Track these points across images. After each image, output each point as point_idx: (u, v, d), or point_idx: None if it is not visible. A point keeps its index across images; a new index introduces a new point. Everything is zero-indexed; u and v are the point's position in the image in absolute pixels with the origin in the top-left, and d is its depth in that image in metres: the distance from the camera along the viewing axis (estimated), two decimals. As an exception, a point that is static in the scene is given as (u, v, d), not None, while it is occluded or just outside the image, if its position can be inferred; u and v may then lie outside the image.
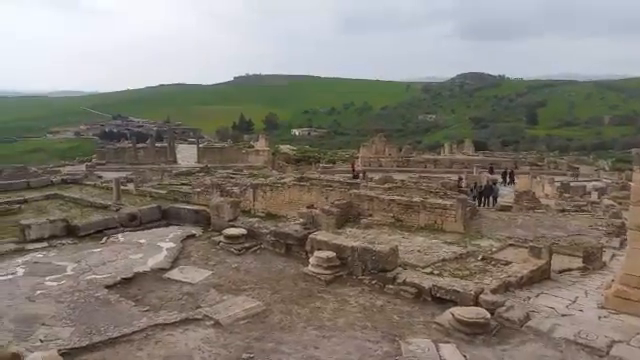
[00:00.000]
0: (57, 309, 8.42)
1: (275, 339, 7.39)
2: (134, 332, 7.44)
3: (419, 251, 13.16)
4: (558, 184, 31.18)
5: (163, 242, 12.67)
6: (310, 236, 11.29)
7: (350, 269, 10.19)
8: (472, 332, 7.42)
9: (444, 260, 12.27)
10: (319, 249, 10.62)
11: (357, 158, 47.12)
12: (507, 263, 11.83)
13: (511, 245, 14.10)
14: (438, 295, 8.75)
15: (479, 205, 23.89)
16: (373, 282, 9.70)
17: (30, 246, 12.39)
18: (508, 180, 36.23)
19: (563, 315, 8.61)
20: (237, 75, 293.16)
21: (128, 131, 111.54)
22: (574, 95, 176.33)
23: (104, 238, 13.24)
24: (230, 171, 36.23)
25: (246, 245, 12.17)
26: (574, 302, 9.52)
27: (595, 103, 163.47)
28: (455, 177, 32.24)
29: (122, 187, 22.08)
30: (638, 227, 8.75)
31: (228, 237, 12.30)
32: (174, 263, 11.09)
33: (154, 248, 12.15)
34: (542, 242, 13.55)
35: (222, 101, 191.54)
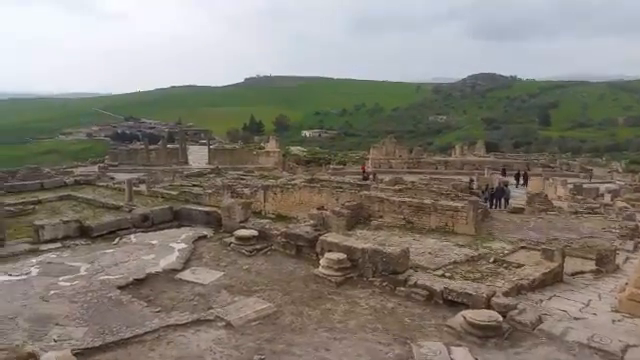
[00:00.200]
0: (70, 309, 8.51)
1: (286, 341, 7.40)
2: (146, 333, 7.50)
3: (430, 253, 13.10)
4: (571, 186, 30.90)
5: (175, 243, 12.76)
6: (321, 238, 11.30)
7: (361, 271, 10.18)
8: (484, 335, 7.38)
9: (455, 262, 12.21)
10: (330, 251, 10.63)
11: (367, 160, 47.05)
12: (519, 266, 11.75)
13: (523, 247, 14.01)
14: (450, 298, 8.71)
15: (491, 207, 23.73)
16: (384, 284, 9.68)
17: (44, 246, 12.54)
18: (522, 182, 35.93)
19: (576, 318, 8.53)
20: (248, 77, 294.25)
21: (140, 132, 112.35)
22: (587, 96, 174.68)
23: (117, 239, 13.37)
24: (241, 172, 36.37)
25: (257, 246, 12.21)
26: (587, 305, 9.43)
27: (608, 104, 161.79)
28: (466, 179, 32.07)
29: (134, 188, 22.24)
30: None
31: (239, 238, 12.35)
32: (186, 264, 11.17)
33: (166, 249, 12.24)
34: (554, 245, 13.46)
35: (233, 102, 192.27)
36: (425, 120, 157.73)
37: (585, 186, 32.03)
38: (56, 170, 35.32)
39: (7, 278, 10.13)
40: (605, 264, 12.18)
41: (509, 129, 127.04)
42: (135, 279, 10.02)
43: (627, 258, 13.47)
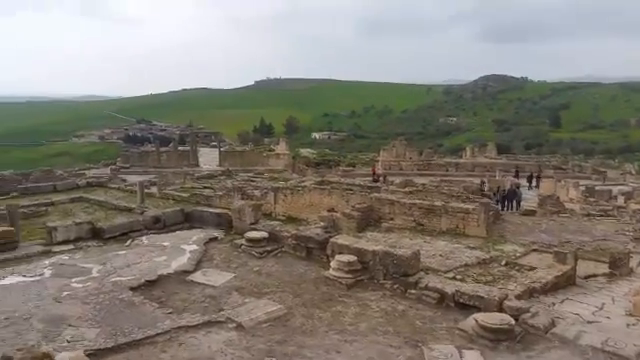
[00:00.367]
0: (83, 310, 8.59)
1: (297, 343, 7.41)
2: (158, 334, 7.55)
3: (441, 256, 13.03)
4: (583, 188, 30.59)
5: (186, 245, 12.83)
6: (331, 240, 11.30)
7: (371, 273, 10.16)
8: (496, 338, 7.33)
9: (467, 265, 12.13)
10: (340, 253, 10.63)
11: (377, 162, 46.94)
12: (531, 268, 11.65)
13: (535, 250, 13.88)
14: (461, 301, 8.67)
15: (502, 209, 23.57)
16: (395, 287, 9.65)
17: (57, 248, 12.67)
18: (534, 184, 35.65)
19: (589, 322, 8.44)
20: (258, 79, 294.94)
21: (151, 135, 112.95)
22: (598, 97, 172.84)
23: (129, 240, 13.47)
24: (251, 174, 36.44)
25: (267, 248, 12.24)
26: (600, 309, 9.33)
27: (620, 105, 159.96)
28: (477, 181, 31.87)
29: (146, 190, 22.38)
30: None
31: (250, 240, 12.39)
32: (197, 266, 11.22)
33: (177, 251, 12.31)
34: (567, 247, 13.32)
35: (243, 105, 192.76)
36: (435, 122, 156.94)
37: (598, 188, 31.69)
38: (68, 172, 35.62)
39: (21, 279, 10.26)
40: (618, 267, 12.05)
41: (520, 131, 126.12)
42: (147, 280, 10.09)
43: (641, 261, 13.30)
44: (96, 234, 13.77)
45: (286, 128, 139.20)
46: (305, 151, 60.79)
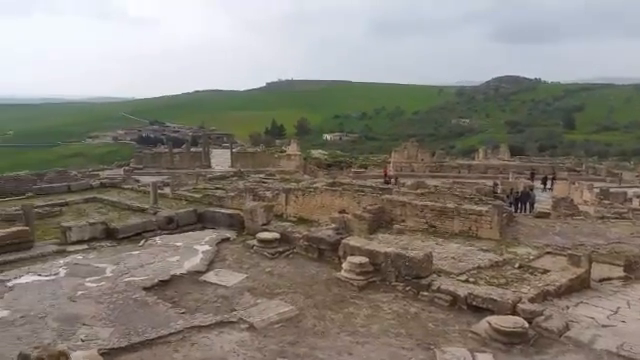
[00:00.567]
0: (97, 310, 8.68)
1: (309, 344, 7.42)
2: (171, 334, 7.60)
3: (453, 258, 12.96)
4: (597, 190, 30.25)
5: (199, 245, 12.91)
6: (343, 241, 11.30)
7: (383, 275, 10.14)
8: (509, 342, 7.29)
9: (479, 267, 12.04)
10: (352, 254, 10.62)
11: (389, 163, 46.85)
12: (545, 271, 11.54)
13: (549, 253, 13.74)
14: (474, 303, 8.62)
15: (515, 211, 23.38)
16: (407, 289, 9.63)
17: (71, 248, 12.81)
18: (549, 186, 35.35)
19: (604, 326, 8.35)
20: (270, 81, 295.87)
21: (164, 136, 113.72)
22: (613, 99, 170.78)
23: (142, 241, 13.58)
24: (262, 175, 36.55)
25: (279, 249, 12.27)
26: (616, 312, 9.21)
27: (635, 107, 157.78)
28: (490, 183, 31.66)
29: (159, 191, 22.53)
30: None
31: (262, 241, 12.43)
32: (209, 266, 11.28)
33: (190, 251, 12.39)
34: (581, 250, 13.19)
35: (255, 106, 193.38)
36: (447, 123, 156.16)
37: (612, 190, 31.31)
38: (82, 173, 35.98)
39: (37, 278, 10.39)
40: (634, 270, 11.89)
41: (533, 132, 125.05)
42: (160, 280, 10.17)
43: (657, 265, 13.11)
44: (110, 234, 13.90)
45: (297, 129, 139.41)
46: (316, 152, 60.85)
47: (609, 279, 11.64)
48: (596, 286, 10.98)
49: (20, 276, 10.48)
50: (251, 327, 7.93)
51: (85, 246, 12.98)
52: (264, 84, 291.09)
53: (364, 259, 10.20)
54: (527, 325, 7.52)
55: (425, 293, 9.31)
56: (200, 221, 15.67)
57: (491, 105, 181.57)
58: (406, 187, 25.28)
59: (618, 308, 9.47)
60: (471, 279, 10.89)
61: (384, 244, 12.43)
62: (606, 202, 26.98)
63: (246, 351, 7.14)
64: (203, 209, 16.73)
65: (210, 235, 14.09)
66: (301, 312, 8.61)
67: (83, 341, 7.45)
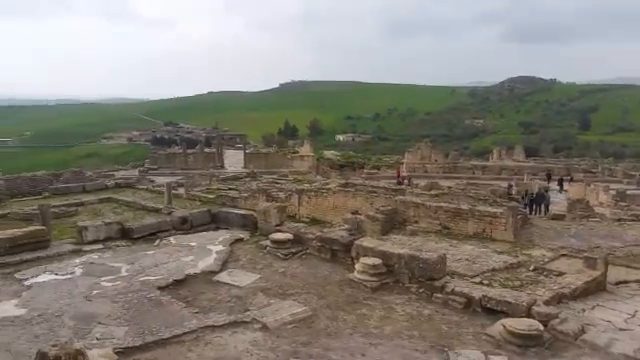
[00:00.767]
0: (112, 309, 8.77)
1: (322, 345, 7.42)
2: (185, 333, 7.66)
3: (467, 260, 12.89)
4: (613, 192, 29.86)
5: (213, 245, 12.99)
6: (356, 242, 11.29)
7: (396, 277, 10.11)
8: (524, 344, 7.22)
9: (494, 270, 11.96)
10: (365, 255, 10.61)
11: (402, 164, 46.70)
12: (560, 274, 11.43)
13: (564, 255, 13.60)
14: (488, 306, 8.56)
15: (530, 213, 23.18)
16: (420, 290, 9.59)
17: (87, 247, 12.95)
18: (565, 187, 34.97)
19: (621, 329, 8.24)
20: (283, 82, 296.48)
21: (178, 137, 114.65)
22: (628, 100, 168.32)
23: (157, 241, 13.70)
24: (275, 176, 36.64)
25: (292, 250, 12.30)
26: (633, 316, 9.09)
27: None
28: (505, 184, 31.42)
29: (173, 191, 22.68)
30: None
31: (275, 241, 12.47)
32: (223, 266, 11.35)
33: (204, 251, 12.47)
34: (597, 252, 13.02)
35: (268, 107, 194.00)
36: (461, 124, 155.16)
37: (629, 192, 30.90)
38: (98, 173, 36.37)
39: (54, 277, 10.53)
40: (651, 274, 11.73)
41: (548, 133, 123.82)
42: (174, 280, 10.25)
43: (675, 268, 12.90)
44: (125, 234, 14.03)
45: (310, 130, 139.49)
46: (329, 153, 60.77)
47: (626, 282, 11.49)
48: (612, 289, 10.84)
49: (37, 275, 10.63)
50: (264, 327, 7.95)
51: (100, 246, 13.12)
52: (277, 85, 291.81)
53: (377, 260, 10.18)
54: (542, 328, 7.46)
55: (439, 295, 9.26)
56: (214, 221, 15.76)
57: (505, 106, 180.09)
58: (419, 188, 25.18)
59: (635, 312, 9.34)
60: (485, 281, 10.82)
61: (397, 245, 12.40)
62: (622, 204, 26.60)
63: (259, 351, 7.16)
64: (217, 209, 16.83)
65: (224, 235, 14.17)
66: (314, 313, 8.62)
67: (98, 340, 7.54)
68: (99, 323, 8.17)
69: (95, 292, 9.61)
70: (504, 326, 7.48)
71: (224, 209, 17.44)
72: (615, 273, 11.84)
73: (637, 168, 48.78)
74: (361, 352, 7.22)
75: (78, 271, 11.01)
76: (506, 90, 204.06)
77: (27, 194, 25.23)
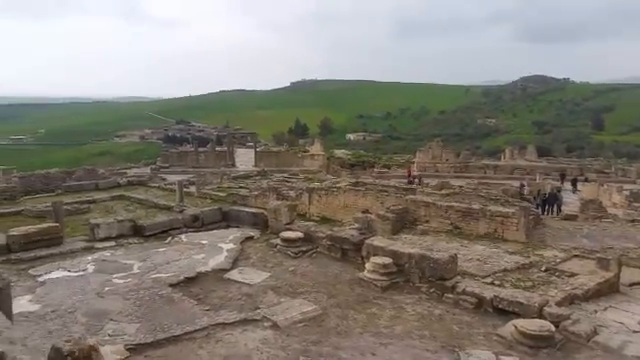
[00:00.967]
0: (124, 306, 8.84)
1: (332, 344, 7.43)
2: (196, 330, 7.71)
3: (478, 260, 12.82)
4: (627, 192, 29.53)
5: (223, 243, 13.05)
6: (366, 241, 11.28)
7: (407, 276, 10.09)
8: (536, 345, 7.18)
9: (505, 270, 11.88)
10: (375, 255, 10.59)
11: (413, 163, 46.55)
12: (572, 275, 11.33)
13: (576, 256, 13.48)
14: (500, 306, 8.51)
15: (542, 213, 23.00)
16: (431, 290, 9.56)
17: (99, 244, 13.07)
18: (579, 187, 34.65)
19: (635, 332, 8.16)
20: (294, 80, 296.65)
21: (190, 135, 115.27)
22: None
23: (168, 238, 13.79)
24: (286, 175, 36.73)
25: (303, 248, 12.31)
26: (647, 318, 8.98)
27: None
28: (517, 184, 31.19)
29: (185, 189, 22.84)
30: None
31: (285, 240, 12.49)
32: (234, 264, 11.40)
33: (215, 249, 12.53)
34: (610, 253, 12.88)
35: (279, 106, 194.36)
36: (473, 123, 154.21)
37: (643, 193, 30.51)
38: (110, 171, 36.69)
39: (66, 274, 10.64)
40: (666, 275, 11.58)
41: (561, 133, 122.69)
42: (186, 277, 10.32)
43: (690, 270, 12.72)
44: (137, 231, 14.14)
45: (321, 129, 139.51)
46: (340, 152, 60.72)
47: (639, 284, 11.36)
48: (626, 290, 10.72)
49: (50, 271, 10.75)
50: (274, 325, 7.98)
51: (113, 243, 13.24)
52: (288, 84, 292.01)
53: (388, 260, 10.16)
54: (554, 329, 7.40)
55: (450, 295, 9.23)
56: (225, 219, 15.84)
57: (518, 105, 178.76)
58: (430, 187, 25.09)
59: (649, 314, 9.24)
60: (497, 281, 10.76)
61: (408, 245, 12.37)
62: (636, 205, 26.32)
63: (269, 349, 7.18)
64: (228, 208, 16.90)
65: (234, 233, 14.24)
66: (324, 312, 8.63)
67: (110, 336, 7.61)
68: (111, 320, 8.24)
69: (107, 289, 9.71)
70: (515, 327, 7.43)
71: (235, 207, 17.51)
72: (628, 274, 11.71)
73: (652, 169, 48.13)
74: (371, 351, 7.21)
75: (90, 268, 11.12)
76: (519, 89, 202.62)
77: (40, 191, 25.54)
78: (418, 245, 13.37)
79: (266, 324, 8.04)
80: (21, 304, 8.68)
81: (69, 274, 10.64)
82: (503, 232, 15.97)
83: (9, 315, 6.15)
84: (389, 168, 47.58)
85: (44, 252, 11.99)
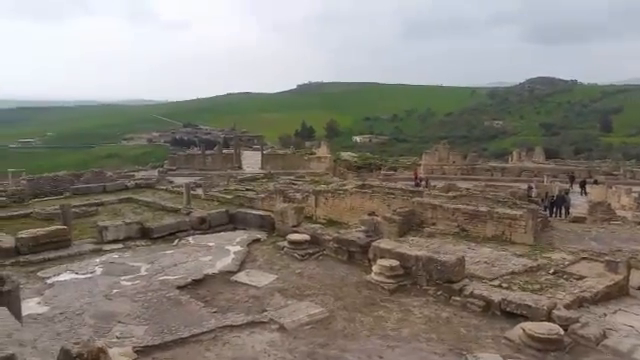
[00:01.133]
0: (132, 308, 8.88)
1: (339, 346, 7.42)
2: (203, 333, 7.73)
3: (486, 262, 12.75)
4: (636, 195, 29.28)
5: (230, 245, 13.08)
6: (373, 244, 11.26)
7: (414, 279, 10.06)
8: (544, 348, 7.13)
9: (513, 273, 11.81)
10: (382, 257, 10.57)
11: (419, 165, 46.42)
12: (581, 277, 11.24)
13: (585, 259, 13.38)
14: (508, 309, 8.47)
15: (550, 216, 22.88)
16: (438, 293, 9.53)
17: (107, 247, 13.13)
18: (588, 190, 34.40)
19: (645, 335, 8.08)
20: (300, 83, 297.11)
21: (197, 138, 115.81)
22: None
23: (176, 240, 13.84)
24: (292, 177, 36.72)
25: (309, 251, 12.32)
26: (657, 322, 8.90)
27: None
28: (524, 186, 31.03)
29: (192, 192, 22.89)
30: None
31: (292, 242, 12.50)
32: (241, 266, 11.43)
33: (222, 251, 12.56)
34: (619, 256, 12.78)
35: (285, 109, 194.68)
36: (480, 125, 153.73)
37: (653, 195, 30.24)
38: (118, 174, 36.84)
39: (75, 276, 10.70)
40: (676, 278, 11.47)
41: (568, 135, 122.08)
42: (193, 280, 10.35)
43: (701, 272, 12.59)
44: (145, 234, 14.20)
45: (327, 131, 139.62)
46: (346, 154, 60.65)
47: (649, 287, 11.26)
48: (635, 293, 10.64)
49: (59, 274, 10.81)
50: (282, 328, 7.98)
51: (120, 245, 13.30)
52: (295, 86, 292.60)
53: (395, 262, 10.14)
54: (562, 332, 7.35)
55: (457, 298, 9.19)
56: (231, 222, 15.87)
57: (525, 107, 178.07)
58: (437, 190, 25.01)
59: (659, 317, 9.16)
60: (504, 284, 10.69)
61: (415, 247, 12.33)
62: (646, 207, 26.09)
63: (277, 352, 7.19)
64: (234, 210, 16.94)
65: (241, 236, 14.26)
66: (331, 314, 8.62)
67: (118, 338, 7.64)
68: (119, 322, 8.28)
69: (115, 291, 9.75)
70: (524, 330, 7.39)
71: (242, 210, 17.55)
72: (638, 277, 11.61)
73: (661, 170, 47.75)
74: (378, 354, 7.20)
75: (98, 270, 11.18)
76: (526, 91, 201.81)
77: (49, 194, 25.69)
78: (425, 247, 13.33)
79: (273, 326, 8.04)
80: (30, 306, 8.74)
81: (77, 276, 10.69)
82: (511, 234, 15.89)
83: (18, 317, 6.19)
84: (396, 170, 47.46)
85: (52, 254, 12.07)
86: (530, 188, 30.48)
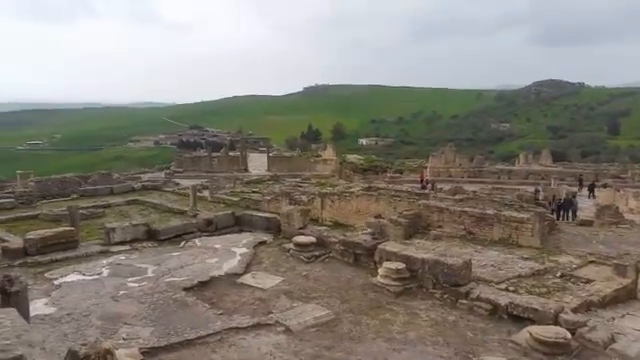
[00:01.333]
0: (138, 309, 8.91)
1: (345, 349, 7.41)
2: (209, 334, 7.74)
3: (493, 266, 12.69)
4: (645, 198, 29.06)
5: (236, 247, 13.11)
6: (379, 246, 11.25)
7: (420, 282, 10.04)
8: (551, 352, 7.08)
9: (520, 276, 11.75)
10: (388, 260, 10.55)
11: (426, 168, 46.32)
12: (588, 281, 11.16)
13: (592, 262, 13.28)
14: (515, 313, 8.43)
15: (558, 219, 22.75)
16: (444, 296, 9.50)
17: (114, 248, 13.20)
18: (596, 193, 34.18)
19: (653, 339, 8.01)
20: (307, 86, 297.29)
21: (204, 140, 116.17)
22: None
23: (182, 242, 13.88)
24: (298, 180, 36.70)
25: (315, 253, 12.32)
26: (665, 326, 8.82)
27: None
28: (531, 189, 30.88)
29: (198, 194, 22.93)
30: None
31: (298, 245, 12.51)
32: (247, 268, 11.45)
33: (228, 253, 12.59)
34: (627, 259, 12.69)
35: (292, 111, 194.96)
36: (486, 128, 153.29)
37: (661, 198, 30.01)
38: (125, 176, 36.96)
39: (82, 277, 10.75)
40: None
41: (576, 138, 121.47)
42: (199, 282, 10.38)
43: None
44: (151, 235, 14.25)
45: (333, 134, 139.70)
46: (352, 157, 60.61)
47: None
48: (644, 298, 10.56)
49: (66, 275, 10.87)
50: (287, 330, 7.98)
51: (127, 247, 13.36)
52: (301, 89, 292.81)
53: (401, 265, 10.12)
54: (570, 336, 7.30)
55: (464, 301, 9.16)
56: (238, 224, 15.91)
57: (532, 110, 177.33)
58: (443, 192, 24.94)
59: (668, 321, 9.08)
60: (511, 288, 10.64)
61: (421, 250, 12.29)
62: (654, 210, 25.91)
63: (282, 354, 7.19)
64: (241, 212, 16.98)
65: (247, 238, 14.29)
66: (337, 317, 8.61)
67: (124, 339, 7.67)
68: (125, 323, 8.31)
69: (122, 292, 9.79)
70: (530, 333, 7.35)
71: (248, 212, 17.58)
72: (646, 281, 11.53)
73: (669, 174, 47.37)
74: (384, 357, 7.18)
75: (105, 271, 11.23)
76: (533, 94, 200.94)
77: (57, 195, 25.80)
78: (431, 250, 13.28)
79: (279, 329, 8.05)
80: (37, 307, 8.79)
81: (84, 277, 10.75)
82: (518, 238, 15.81)
83: (26, 318, 6.23)
84: (402, 173, 47.36)
85: (60, 255, 12.14)
86: (537, 191, 30.31)
